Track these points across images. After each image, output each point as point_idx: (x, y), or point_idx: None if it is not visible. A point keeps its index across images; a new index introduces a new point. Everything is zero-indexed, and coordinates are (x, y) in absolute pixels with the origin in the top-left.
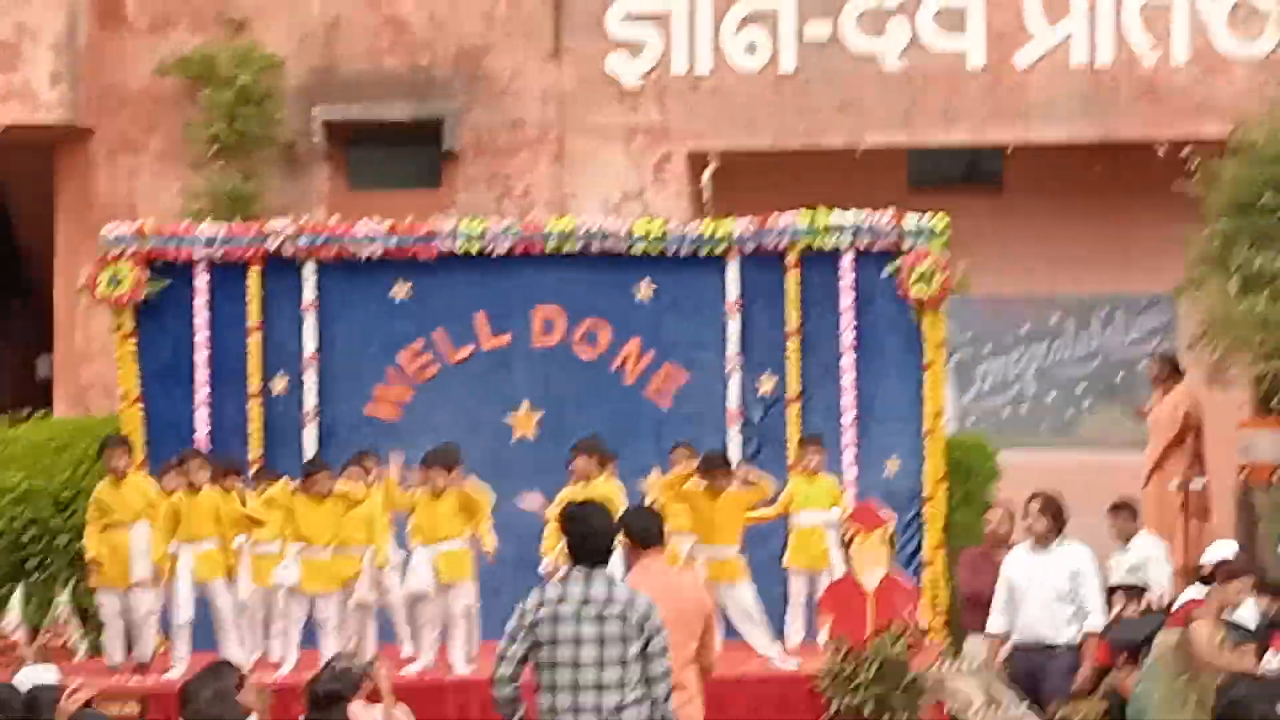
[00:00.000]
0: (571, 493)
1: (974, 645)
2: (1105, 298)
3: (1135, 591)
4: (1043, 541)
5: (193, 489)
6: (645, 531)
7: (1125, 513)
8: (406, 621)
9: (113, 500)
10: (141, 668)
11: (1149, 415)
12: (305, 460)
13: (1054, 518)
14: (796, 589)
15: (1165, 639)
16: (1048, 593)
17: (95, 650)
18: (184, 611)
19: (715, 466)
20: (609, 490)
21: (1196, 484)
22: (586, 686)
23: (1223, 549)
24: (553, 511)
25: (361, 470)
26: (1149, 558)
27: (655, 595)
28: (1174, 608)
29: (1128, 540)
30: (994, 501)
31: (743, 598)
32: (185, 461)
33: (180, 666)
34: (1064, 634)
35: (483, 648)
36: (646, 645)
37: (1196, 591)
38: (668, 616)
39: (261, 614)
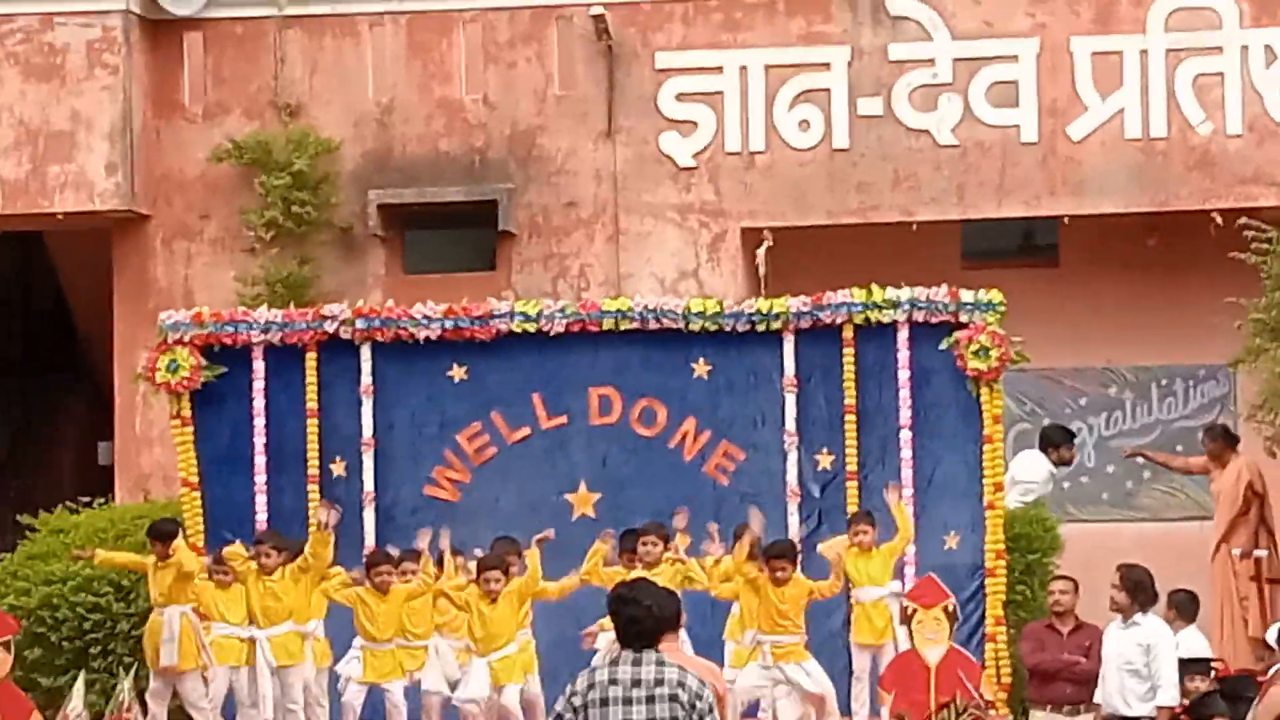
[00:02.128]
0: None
1: (1040, 719)
2: (1163, 369)
3: (1202, 665)
4: (1123, 615)
5: (266, 572)
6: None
7: (1180, 604)
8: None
9: (154, 584)
10: None
11: (1212, 486)
12: (367, 554)
13: (1131, 591)
14: (860, 664)
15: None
16: (1122, 666)
17: None
18: (261, 694)
19: (781, 555)
20: (674, 571)
21: (1260, 553)
22: None
23: None
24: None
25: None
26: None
27: None
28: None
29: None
30: (1056, 573)
31: (813, 672)
32: (260, 542)
33: None
34: (1136, 708)
35: None
36: None
37: None
38: None
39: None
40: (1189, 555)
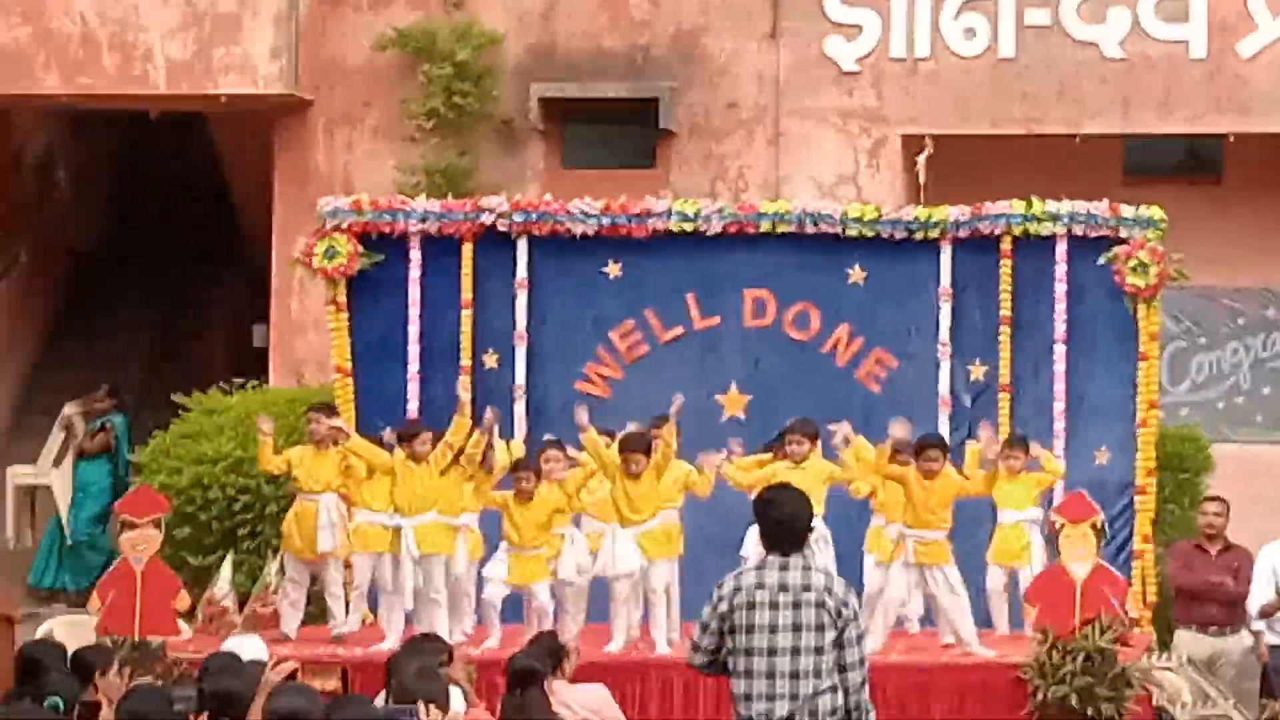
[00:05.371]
0: (782, 471)
1: (1185, 639)
2: None
3: None
4: None
5: (416, 460)
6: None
7: None
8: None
9: (305, 470)
10: (339, 639)
11: None
12: (514, 461)
13: None
14: (995, 581)
15: None
16: None
17: (304, 620)
18: (405, 584)
19: (933, 446)
20: (821, 468)
21: None
22: (782, 674)
23: None
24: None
25: (558, 455)
26: None
27: None
28: None
29: None
30: (1209, 494)
31: (952, 579)
32: (414, 434)
33: (392, 639)
34: None
35: (685, 628)
36: (841, 633)
37: None
38: None
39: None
40: None
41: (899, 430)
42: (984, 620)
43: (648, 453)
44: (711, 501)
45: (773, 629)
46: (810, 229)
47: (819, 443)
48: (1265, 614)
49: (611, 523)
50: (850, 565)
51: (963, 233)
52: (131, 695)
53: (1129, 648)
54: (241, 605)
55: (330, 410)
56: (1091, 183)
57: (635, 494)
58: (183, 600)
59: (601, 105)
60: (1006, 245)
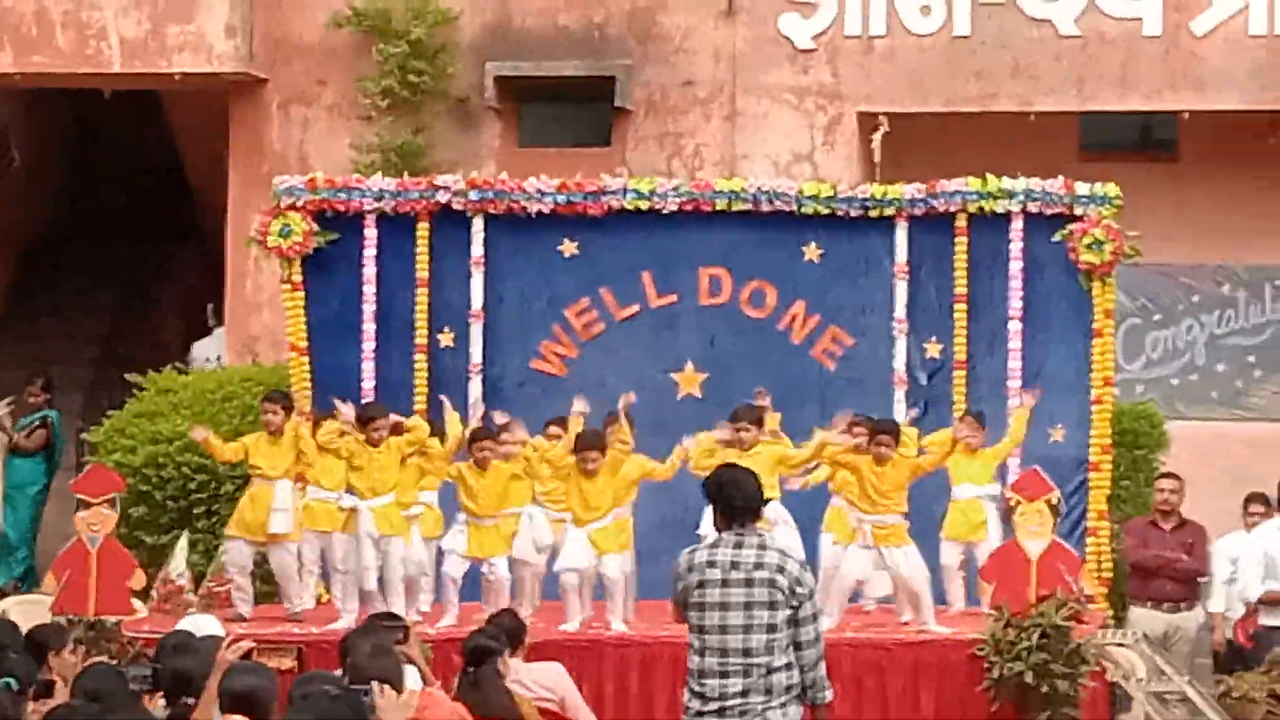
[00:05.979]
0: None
1: (1139, 615)
2: (1278, 268)
3: None
4: None
5: (373, 444)
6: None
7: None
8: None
9: (262, 457)
10: (296, 619)
11: None
12: (471, 430)
13: None
14: (951, 557)
15: None
16: None
17: (260, 599)
18: (360, 563)
19: (886, 432)
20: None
21: None
22: (734, 651)
23: None
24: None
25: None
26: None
27: None
28: None
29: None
30: (1163, 471)
31: (910, 560)
32: (372, 418)
33: (348, 618)
34: None
35: (638, 607)
36: (796, 610)
37: None
38: None
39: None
40: None
41: (763, 400)
42: (940, 597)
43: (603, 451)
44: (670, 486)
45: (724, 606)
46: (766, 207)
47: (776, 422)
48: (1265, 602)
49: (565, 518)
50: (808, 544)
51: (918, 210)
52: (87, 674)
53: (1084, 624)
54: (197, 584)
55: (285, 399)
56: (1047, 160)
57: (590, 492)
58: (138, 579)
59: (557, 83)
60: (962, 222)
